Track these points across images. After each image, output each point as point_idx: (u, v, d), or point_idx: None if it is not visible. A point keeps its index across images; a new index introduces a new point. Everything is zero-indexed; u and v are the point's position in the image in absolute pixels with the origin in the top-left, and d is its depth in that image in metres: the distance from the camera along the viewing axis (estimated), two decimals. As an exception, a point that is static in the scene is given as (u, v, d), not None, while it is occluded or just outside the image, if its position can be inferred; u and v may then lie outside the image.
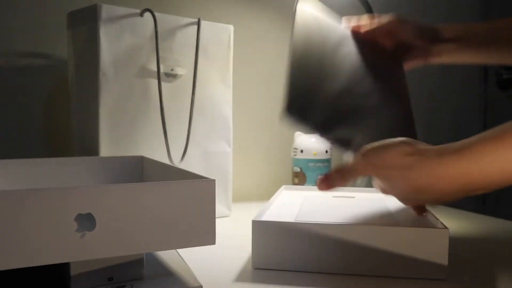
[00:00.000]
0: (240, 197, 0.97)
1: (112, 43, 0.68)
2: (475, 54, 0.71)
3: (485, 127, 1.24)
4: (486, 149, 0.40)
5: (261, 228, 0.53)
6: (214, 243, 0.44)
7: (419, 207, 0.56)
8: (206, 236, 0.44)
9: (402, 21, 0.70)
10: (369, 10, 1.02)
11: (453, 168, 0.42)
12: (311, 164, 0.89)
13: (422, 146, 0.47)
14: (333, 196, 0.72)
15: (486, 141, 0.40)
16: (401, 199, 0.52)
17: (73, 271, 0.42)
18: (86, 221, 0.38)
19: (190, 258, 0.56)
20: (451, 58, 0.72)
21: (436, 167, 0.43)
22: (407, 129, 0.65)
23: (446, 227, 0.50)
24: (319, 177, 0.54)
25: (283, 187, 0.82)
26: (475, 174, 0.40)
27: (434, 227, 0.50)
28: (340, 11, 1.07)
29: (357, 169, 0.52)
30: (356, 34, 0.69)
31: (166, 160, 0.71)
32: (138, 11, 0.71)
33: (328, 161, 0.90)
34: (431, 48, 0.70)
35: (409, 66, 0.74)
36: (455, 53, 0.71)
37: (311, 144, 0.89)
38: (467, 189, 0.42)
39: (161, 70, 0.72)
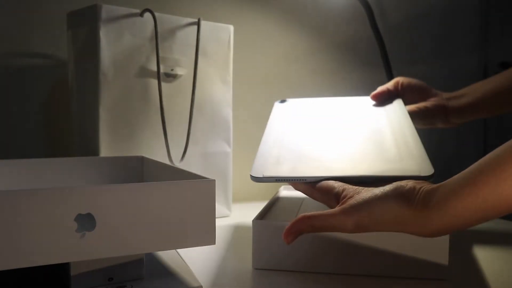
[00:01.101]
0: (240, 197, 0.96)
1: (112, 43, 0.68)
2: (491, 110, 0.76)
3: (485, 127, 1.23)
4: (462, 205, 0.39)
5: (261, 228, 0.53)
6: (214, 243, 0.44)
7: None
8: (206, 236, 0.44)
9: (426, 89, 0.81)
10: (369, 10, 1.02)
11: (434, 223, 0.41)
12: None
13: (415, 198, 0.42)
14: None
15: (463, 196, 0.39)
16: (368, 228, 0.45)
17: (73, 271, 0.42)
18: (86, 221, 0.38)
19: (190, 258, 0.56)
20: (469, 119, 0.78)
21: (423, 222, 0.41)
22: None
23: (446, 227, 0.50)
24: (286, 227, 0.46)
25: (282, 187, 0.82)
26: (454, 223, 0.40)
27: (434, 227, 0.50)
28: (340, 11, 1.07)
29: (335, 225, 0.44)
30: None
31: (166, 160, 0.71)
32: (138, 11, 0.71)
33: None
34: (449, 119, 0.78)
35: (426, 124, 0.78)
36: (473, 115, 0.77)
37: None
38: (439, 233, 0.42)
39: (161, 70, 0.72)
